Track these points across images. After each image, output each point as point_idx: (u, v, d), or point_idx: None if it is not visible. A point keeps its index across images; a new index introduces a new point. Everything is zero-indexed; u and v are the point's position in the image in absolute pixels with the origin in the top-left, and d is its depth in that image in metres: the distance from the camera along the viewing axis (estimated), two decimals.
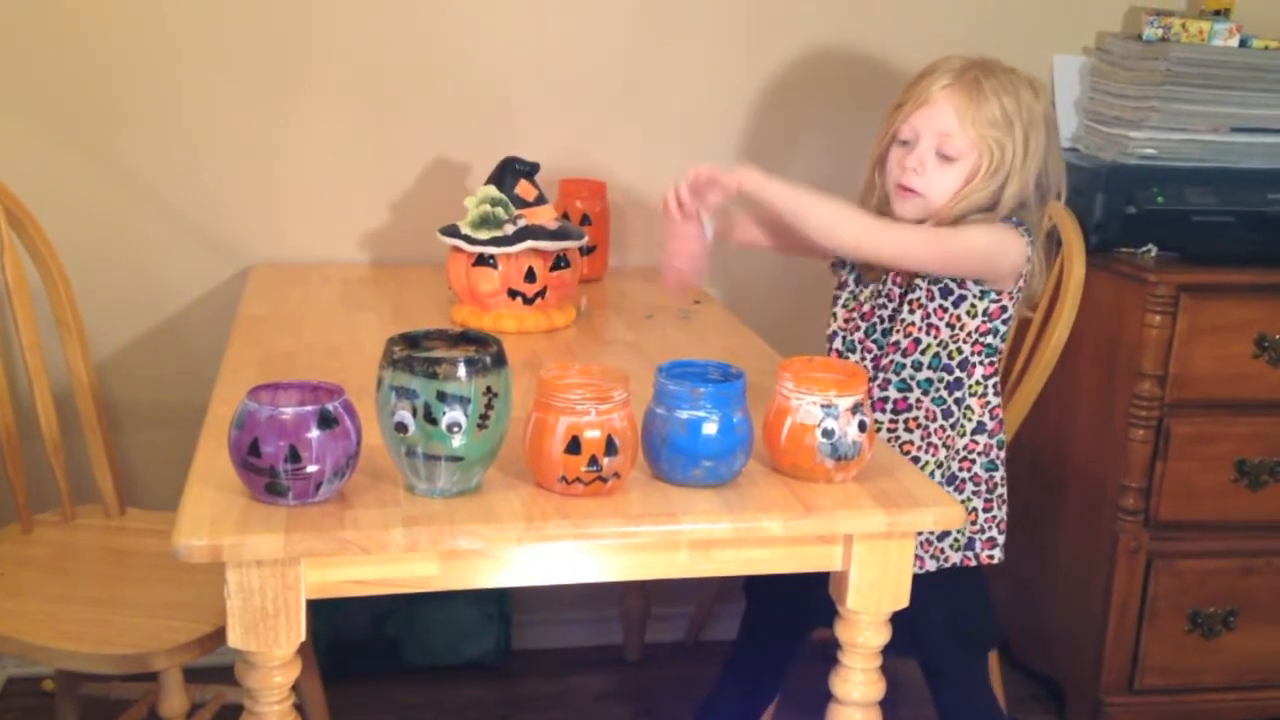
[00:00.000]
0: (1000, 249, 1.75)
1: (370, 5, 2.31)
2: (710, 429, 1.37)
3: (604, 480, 1.35)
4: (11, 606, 1.77)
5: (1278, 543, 2.32)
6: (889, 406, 1.81)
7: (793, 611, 1.91)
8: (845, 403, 1.41)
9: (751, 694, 2.02)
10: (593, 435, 1.33)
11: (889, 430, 1.80)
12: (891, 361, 1.80)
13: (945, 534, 1.81)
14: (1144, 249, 2.27)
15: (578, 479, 1.34)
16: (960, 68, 1.76)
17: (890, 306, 1.82)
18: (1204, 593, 2.31)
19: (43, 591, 1.82)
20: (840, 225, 1.73)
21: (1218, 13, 2.38)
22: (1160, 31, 2.33)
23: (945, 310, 1.77)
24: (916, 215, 1.79)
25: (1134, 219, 2.26)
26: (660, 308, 2.19)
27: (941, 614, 1.82)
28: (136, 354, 2.37)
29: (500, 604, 2.52)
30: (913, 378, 1.79)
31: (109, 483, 2.04)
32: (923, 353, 1.78)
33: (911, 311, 1.79)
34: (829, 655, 1.50)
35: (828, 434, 1.40)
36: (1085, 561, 2.36)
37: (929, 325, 1.78)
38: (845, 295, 1.90)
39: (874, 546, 1.41)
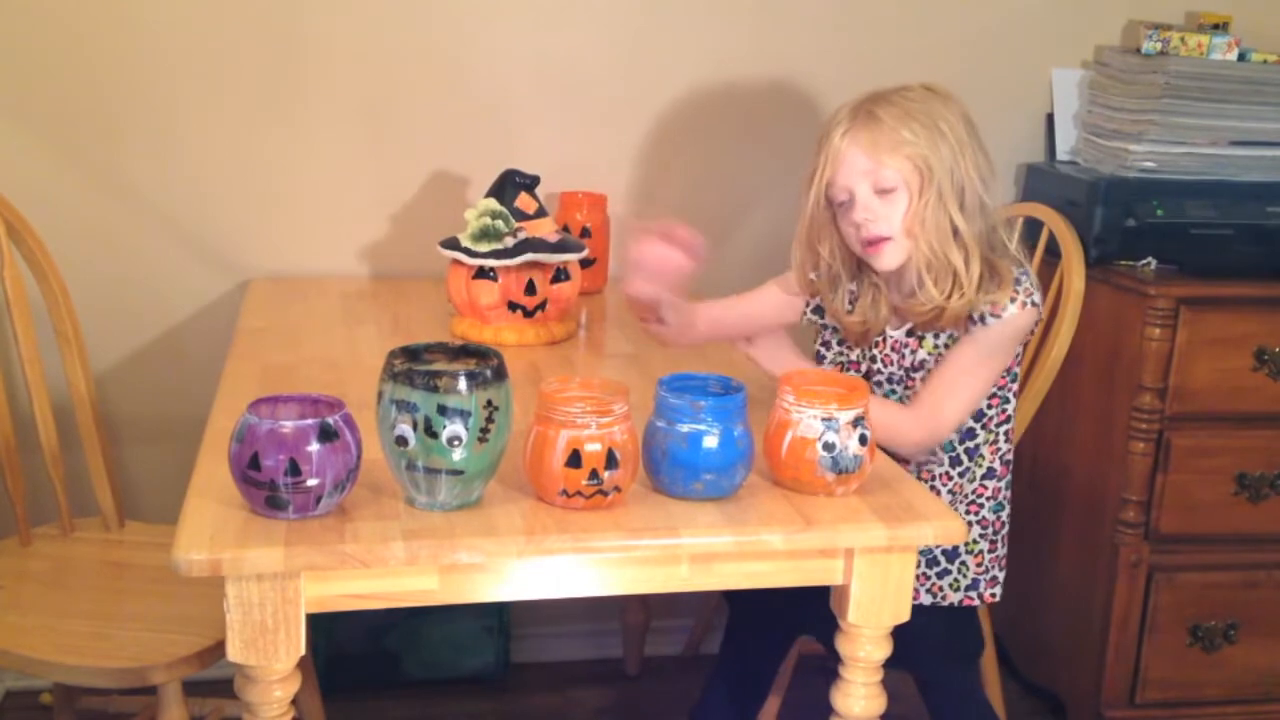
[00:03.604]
0: (1018, 338, 1.73)
1: (369, 19, 2.31)
2: (711, 442, 1.37)
3: (604, 494, 1.34)
4: (10, 620, 1.76)
5: (1279, 556, 2.31)
6: None
7: (775, 617, 1.90)
8: (846, 416, 1.40)
9: (741, 700, 2.01)
10: (593, 448, 1.32)
11: None
12: None
13: (945, 573, 1.81)
14: (1143, 262, 2.27)
15: (578, 492, 1.34)
16: (851, 109, 1.71)
17: (890, 369, 1.79)
18: (1205, 606, 2.31)
19: (41, 605, 1.81)
20: (899, 433, 1.68)
21: (1216, 26, 2.38)
22: (1159, 45, 2.33)
23: None
24: (899, 259, 1.71)
25: (1133, 232, 2.26)
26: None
27: (938, 636, 1.81)
28: (136, 367, 2.37)
29: (500, 617, 2.51)
30: None
31: (108, 496, 2.03)
32: None
33: (921, 376, 1.75)
34: (829, 669, 1.50)
35: (829, 447, 1.40)
36: (1085, 574, 2.36)
37: None
38: (831, 354, 1.87)
39: (875, 560, 1.41)
